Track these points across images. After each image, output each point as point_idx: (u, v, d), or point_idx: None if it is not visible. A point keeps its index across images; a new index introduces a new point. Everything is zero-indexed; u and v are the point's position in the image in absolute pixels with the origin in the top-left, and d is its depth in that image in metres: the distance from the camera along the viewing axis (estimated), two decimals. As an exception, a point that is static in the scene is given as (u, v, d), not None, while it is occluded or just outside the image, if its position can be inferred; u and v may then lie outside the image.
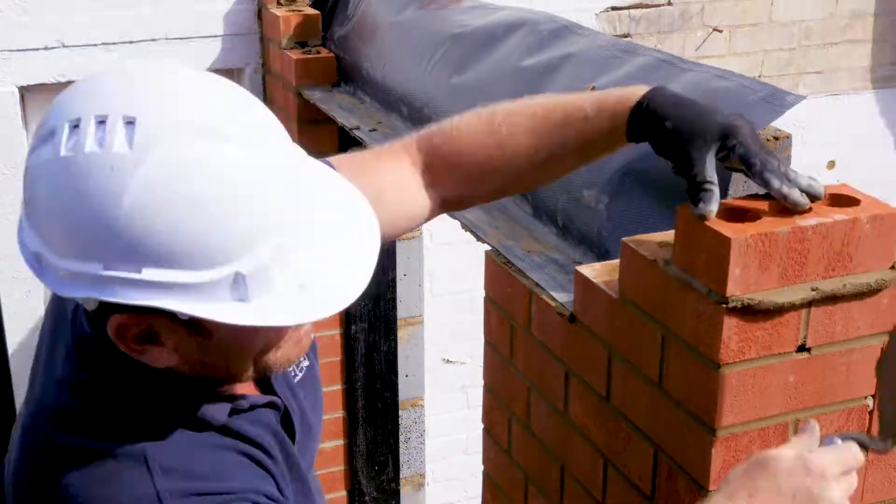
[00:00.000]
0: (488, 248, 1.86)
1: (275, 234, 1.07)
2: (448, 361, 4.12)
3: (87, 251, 1.04)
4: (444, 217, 2.21)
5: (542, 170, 1.46)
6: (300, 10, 3.22)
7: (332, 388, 3.41)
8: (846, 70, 4.49)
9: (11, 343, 3.43)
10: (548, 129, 1.40)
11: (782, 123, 1.63)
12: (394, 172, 1.44)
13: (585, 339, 1.54)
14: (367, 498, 3.60)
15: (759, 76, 4.18)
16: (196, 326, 1.11)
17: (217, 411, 1.22)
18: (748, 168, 1.26)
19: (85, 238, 1.04)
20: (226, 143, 1.05)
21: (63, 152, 1.04)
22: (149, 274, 1.03)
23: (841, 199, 1.29)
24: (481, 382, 1.93)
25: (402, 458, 3.71)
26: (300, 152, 1.17)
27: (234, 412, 1.24)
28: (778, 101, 1.62)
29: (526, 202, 1.97)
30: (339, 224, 1.17)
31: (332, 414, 3.43)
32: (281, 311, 1.09)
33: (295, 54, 3.07)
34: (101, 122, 1.03)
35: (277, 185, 1.08)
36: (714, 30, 4.14)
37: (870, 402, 1.36)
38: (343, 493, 3.57)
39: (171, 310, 1.06)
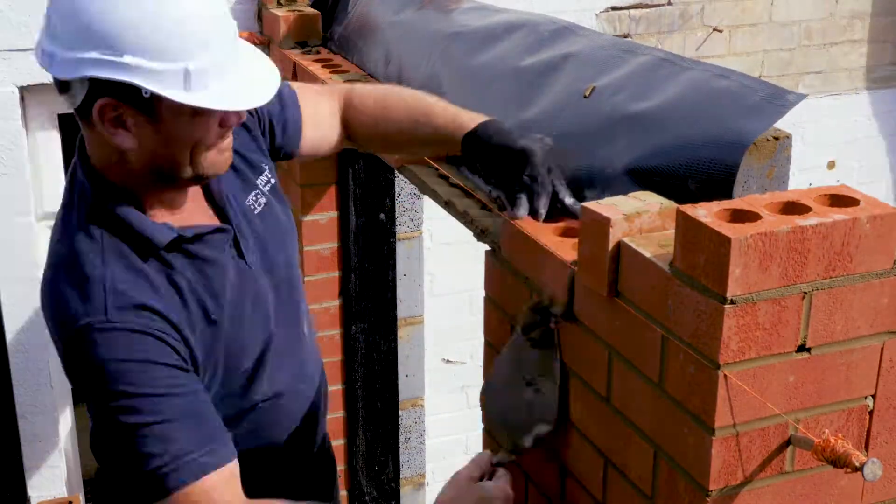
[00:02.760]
0: (488, 247, 1.86)
1: (216, 49, 1.62)
2: (448, 361, 4.12)
3: (88, 42, 1.55)
4: (445, 217, 2.22)
5: (400, 142, 2.11)
6: (300, 10, 3.22)
7: (332, 388, 3.41)
8: (846, 70, 4.49)
9: (11, 343, 3.43)
10: (412, 117, 2.03)
11: (782, 123, 1.63)
12: (326, 107, 2.14)
13: (585, 339, 1.54)
14: (367, 498, 3.60)
15: (760, 76, 4.18)
16: (152, 113, 1.62)
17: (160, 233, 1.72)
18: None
19: (87, 32, 1.55)
20: None
21: None
22: (128, 59, 1.55)
23: (841, 199, 1.30)
24: (481, 382, 1.92)
25: (402, 458, 3.71)
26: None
27: (181, 239, 1.74)
28: (780, 100, 1.62)
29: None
30: (256, 67, 1.74)
31: (333, 414, 3.43)
32: (209, 101, 1.61)
33: (295, 54, 3.07)
34: None
35: (221, 21, 1.65)
36: (714, 30, 4.14)
37: (870, 402, 1.36)
38: (343, 494, 3.57)
39: (139, 85, 1.56)
